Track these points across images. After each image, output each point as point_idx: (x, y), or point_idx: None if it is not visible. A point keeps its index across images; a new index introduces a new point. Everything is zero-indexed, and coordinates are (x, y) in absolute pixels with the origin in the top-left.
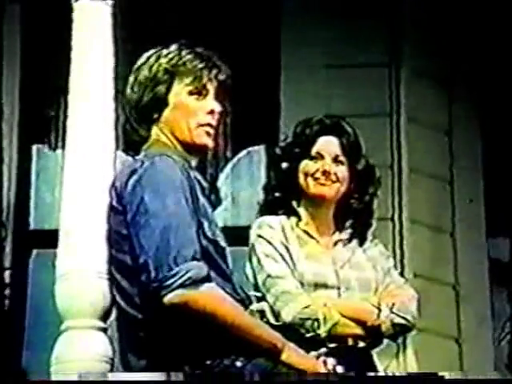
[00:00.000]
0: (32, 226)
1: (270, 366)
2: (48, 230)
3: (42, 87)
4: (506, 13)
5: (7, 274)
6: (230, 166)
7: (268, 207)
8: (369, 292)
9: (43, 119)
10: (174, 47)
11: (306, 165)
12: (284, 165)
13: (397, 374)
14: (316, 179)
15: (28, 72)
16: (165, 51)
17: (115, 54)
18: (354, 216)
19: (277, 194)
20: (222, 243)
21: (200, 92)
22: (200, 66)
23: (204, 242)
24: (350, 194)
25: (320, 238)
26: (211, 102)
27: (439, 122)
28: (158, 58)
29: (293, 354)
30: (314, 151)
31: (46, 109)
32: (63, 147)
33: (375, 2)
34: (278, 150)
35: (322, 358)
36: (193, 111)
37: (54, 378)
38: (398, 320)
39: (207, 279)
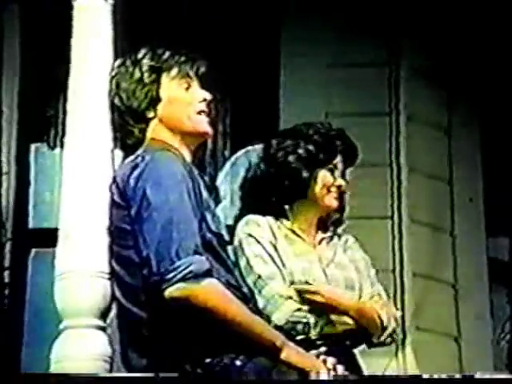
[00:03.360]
0: (31, 225)
1: (269, 365)
2: (47, 228)
3: (41, 86)
4: (506, 13)
5: (6, 273)
6: (228, 164)
7: (257, 207)
8: (353, 291)
9: (42, 118)
10: (144, 50)
11: (324, 176)
12: (304, 173)
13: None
14: (329, 192)
15: (27, 71)
16: (139, 54)
17: (115, 53)
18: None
19: (269, 196)
20: (226, 237)
21: (188, 83)
22: (182, 59)
23: (208, 235)
24: None
25: (306, 236)
26: (200, 91)
27: (439, 121)
28: (136, 60)
29: (292, 353)
30: (332, 164)
31: (46, 107)
32: (62, 146)
33: (375, 2)
34: (291, 158)
35: (322, 357)
36: (187, 101)
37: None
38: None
39: (208, 273)
